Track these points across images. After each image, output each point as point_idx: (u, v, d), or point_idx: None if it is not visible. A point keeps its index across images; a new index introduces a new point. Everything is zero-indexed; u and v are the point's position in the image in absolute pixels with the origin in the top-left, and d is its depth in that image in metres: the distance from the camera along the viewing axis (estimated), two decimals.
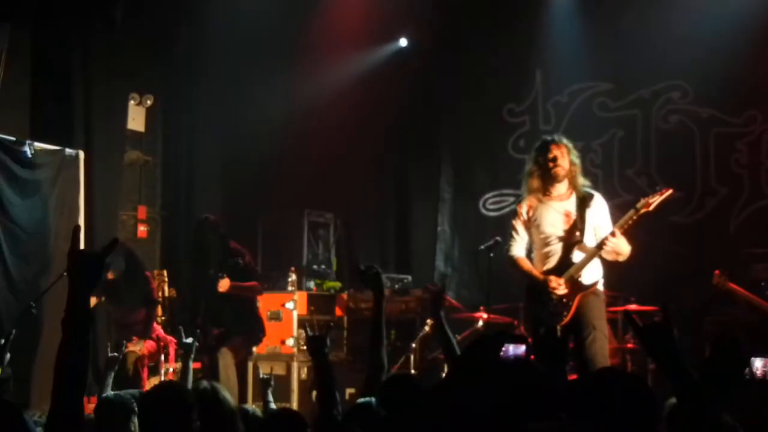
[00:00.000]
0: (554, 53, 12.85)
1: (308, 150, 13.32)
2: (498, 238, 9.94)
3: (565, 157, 8.88)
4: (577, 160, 8.99)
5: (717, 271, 10.52)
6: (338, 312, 12.38)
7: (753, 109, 12.00)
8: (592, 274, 8.69)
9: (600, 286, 8.84)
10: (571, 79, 13.00)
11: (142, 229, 13.01)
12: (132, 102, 12.69)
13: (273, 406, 7.54)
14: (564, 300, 8.63)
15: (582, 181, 8.95)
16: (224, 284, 10.12)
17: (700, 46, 11.95)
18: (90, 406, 9.97)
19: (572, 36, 12.54)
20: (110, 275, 10.17)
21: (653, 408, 3.76)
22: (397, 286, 12.33)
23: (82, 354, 3.56)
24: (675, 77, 12.40)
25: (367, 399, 5.77)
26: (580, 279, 8.63)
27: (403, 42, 13.82)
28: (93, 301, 9.71)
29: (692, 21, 11.98)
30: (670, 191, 8.75)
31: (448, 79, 13.41)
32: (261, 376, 8.04)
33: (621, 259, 8.75)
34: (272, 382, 7.85)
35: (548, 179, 8.89)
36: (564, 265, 8.70)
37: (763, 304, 10.36)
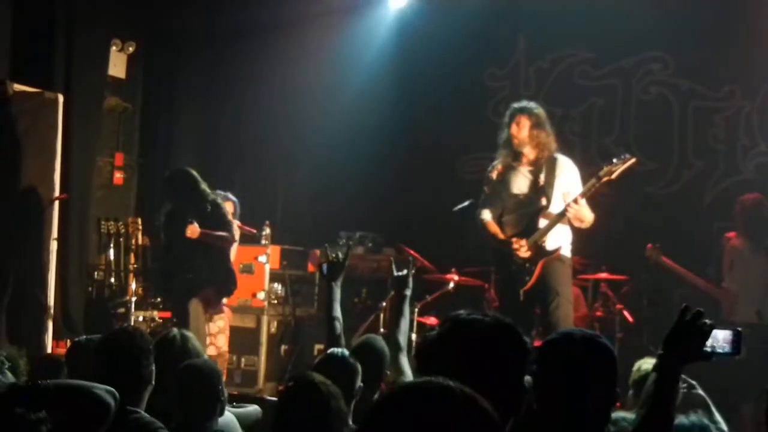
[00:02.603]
0: (537, 19, 12.82)
1: (287, 103, 13.28)
2: (471, 201, 9.96)
3: (523, 127, 8.96)
4: (546, 125, 9.06)
5: (650, 245, 10.61)
6: (310, 268, 12.38)
7: (732, 84, 12.03)
8: (557, 240, 8.77)
9: (567, 253, 8.91)
10: (553, 46, 12.98)
11: (118, 176, 12.99)
12: (114, 48, 12.64)
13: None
14: (527, 265, 8.70)
15: (552, 146, 9.02)
16: (192, 230, 10.06)
17: (682, 19, 11.97)
18: (59, 350, 10.09)
19: (556, 2, 12.51)
20: None
21: (614, 367, 3.80)
22: (370, 244, 12.34)
23: None
24: (657, 49, 12.41)
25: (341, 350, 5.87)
26: (543, 244, 8.71)
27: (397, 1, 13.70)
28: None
29: None
30: (633, 160, 8.82)
31: (431, 40, 13.35)
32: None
33: (584, 226, 8.83)
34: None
35: (516, 150, 9.00)
36: (529, 230, 8.78)
37: (694, 277, 10.46)
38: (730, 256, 10.39)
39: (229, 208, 10.65)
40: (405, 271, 6.54)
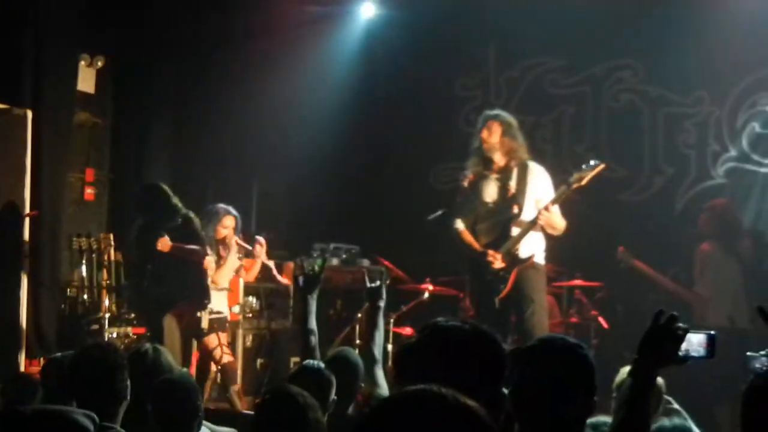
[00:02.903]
0: (508, 28, 12.83)
1: (261, 114, 13.24)
2: (445, 210, 9.97)
3: (494, 133, 9.00)
4: (517, 135, 9.11)
5: (621, 248, 10.67)
6: (286, 280, 12.35)
7: (701, 90, 12.10)
8: (530, 248, 8.80)
9: (541, 260, 8.94)
10: (524, 55, 13.03)
11: (89, 192, 12.93)
12: (83, 63, 12.58)
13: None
14: (501, 273, 8.72)
15: (523, 154, 9.06)
16: (163, 243, 10.03)
17: (651, 26, 12.04)
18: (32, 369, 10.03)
19: (527, 11, 12.53)
20: None
21: (592, 375, 3.80)
22: (344, 256, 12.32)
23: None
24: (626, 56, 12.47)
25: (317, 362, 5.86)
26: (517, 252, 8.74)
27: (368, 11, 13.70)
28: None
29: (643, 1, 12.06)
30: (602, 166, 8.87)
31: (402, 50, 13.35)
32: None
33: (556, 233, 8.89)
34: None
35: (485, 154, 9.03)
36: (502, 239, 8.82)
37: (665, 281, 10.53)
38: (701, 260, 10.45)
39: (230, 222, 10.62)
40: (378, 283, 6.55)
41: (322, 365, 5.86)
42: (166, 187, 10.40)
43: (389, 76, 13.45)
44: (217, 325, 10.33)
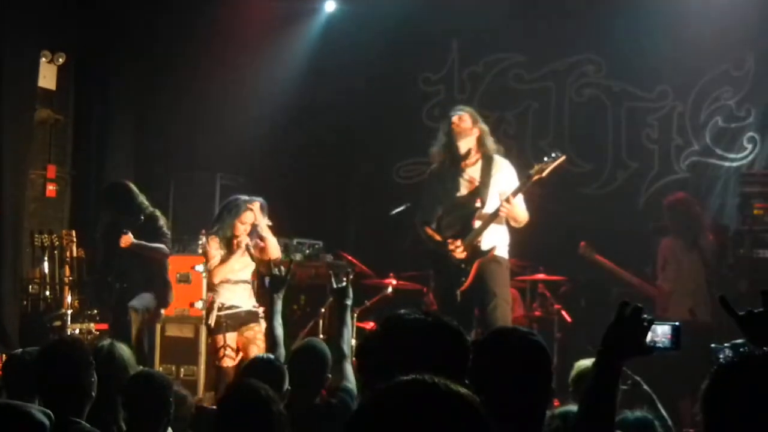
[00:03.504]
0: (471, 23, 12.85)
1: (223, 114, 13.20)
2: (408, 205, 9.97)
3: (466, 120, 9.03)
4: (484, 126, 9.13)
5: (583, 243, 10.71)
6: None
7: (664, 85, 12.16)
8: (492, 240, 8.80)
9: (503, 254, 8.95)
10: (487, 50, 13.04)
11: (51, 189, 12.84)
12: (43, 59, 12.49)
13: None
14: (463, 265, 8.74)
15: (490, 145, 9.07)
16: (125, 240, 10.00)
17: (614, 21, 12.07)
18: None
19: (489, 6, 12.54)
20: None
21: (548, 363, 3.84)
22: (308, 251, 12.30)
23: None
24: (589, 51, 12.51)
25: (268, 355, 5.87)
26: (479, 244, 8.75)
27: (330, 6, 13.69)
28: None
29: None
30: (563, 158, 8.92)
31: (365, 45, 13.34)
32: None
33: (519, 225, 8.91)
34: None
35: (455, 147, 9.02)
36: (466, 231, 8.82)
37: (627, 275, 10.58)
38: (663, 254, 10.48)
39: (248, 218, 10.26)
40: (344, 283, 6.59)
41: (273, 357, 5.89)
42: (132, 186, 10.42)
43: (351, 72, 13.42)
44: (230, 322, 9.81)
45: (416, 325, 3.45)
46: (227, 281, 9.94)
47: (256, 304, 9.97)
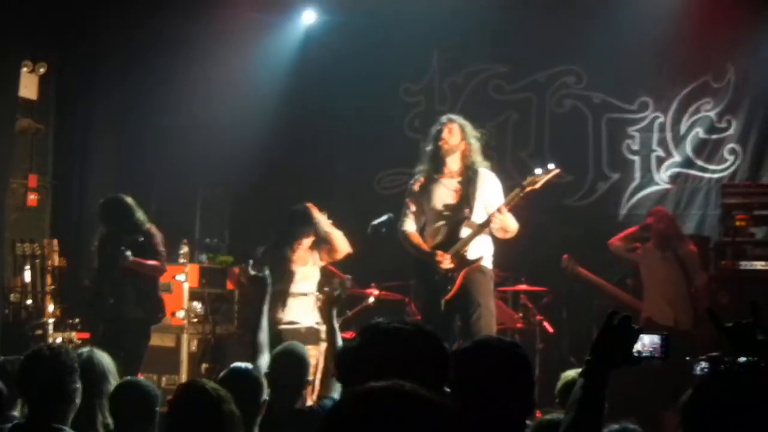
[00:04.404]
0: (452, 34, 12.88)
1: (205, 123, 13.19)
2: (390, 215, 9.96)
3: (455, 134, 9.03)
4: (473, 140, 9.12)
5: (565, 256, 10.73)
6: (229, 286, 12.33)
7: (645, 96, 12.21)
8: (478, 250, 8.81)
9: (488, 264, 8.95)
10: (467, 61, 13.06)
11: (32, 198, 12.81)
12: (24, 69, 12.47)
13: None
14: (449, 274, 8.74)
15: (477, 159, 9.08)
16: (125, 261, 10.03)
17: (594, 33, 12.12)
18: None
19: (470, 17, 12.57)
20: None
21: (529, 374, 3.85)
22: None
23: None
24: (569, 62, 12.54)
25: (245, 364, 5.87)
26: (465, 254, 8.75)
27: (309, 17, 13.70)
28: None
29: (588, 7, 12.12)
30: (556, 171, 8.92)
31: (345, 56, 13.36)
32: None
33: (509, 236, 8.89)
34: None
35: (440, 157, 9.03)
36: (452, 241, 8.82)
37: (608, 287, 10.62)
38: (643, 265, 10.52)
39: (308, 241, 9.94)
40: (338, 292, 6.66)
41: (251, 366, 5.88)
42: (129, 201, 10.36)
43: (332, 83, 13.45)
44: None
45: (395, 333, 3.47)
46: (287, 294, 9.55)
47: (319, 320, 9.51)
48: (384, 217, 9.96)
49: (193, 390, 4.73)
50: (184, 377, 11.19)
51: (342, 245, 9.75)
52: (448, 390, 3.54)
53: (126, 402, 5.38)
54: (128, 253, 9.98)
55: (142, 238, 10.20)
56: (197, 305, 11.79)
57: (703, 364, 4.28)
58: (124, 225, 10.26)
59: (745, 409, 3.03)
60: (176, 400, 4.75)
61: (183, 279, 11.59)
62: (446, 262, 8.75)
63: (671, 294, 10.24)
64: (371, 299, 11.21)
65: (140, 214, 10.32)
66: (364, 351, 3.45)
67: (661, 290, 10.30)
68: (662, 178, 12.13)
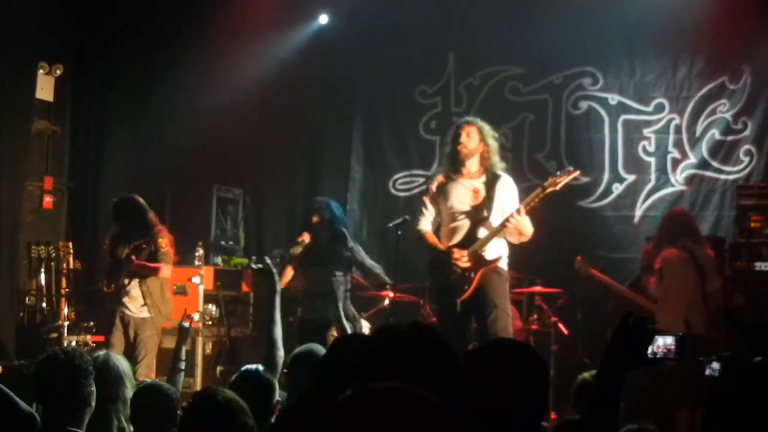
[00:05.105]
0: (468, 36, 12.87)
1: (219, 125, 13.18)
2: (407, 217, 9.95)
3: (473, 137, 9.02)
4: (491, 141, 9.12)
5: (579, 258, 10.69)
6: (245, 288, 12.34)
7: (661, 98, 12.17)
8: (496, 250, 8.79)
9: (504, 266, 8.93)
10: (483, 62, 13.02)
11: (48, 200, 12.86)
12: (41, 71, 12.51)
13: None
14: (466, 274, 8.72)
15: (496, 161, 9.07)
16: (129, 259, 10.10)
17: (610, 34, 12.11)
18: None
19: (486, 19, 12.57)
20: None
21: (544, 376, 3.83)
22: None
23: None
24: (585, 64, 12.51)
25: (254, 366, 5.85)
26: (483, 254, 8.74)
27: (323, 19, 13.71)
28: None
29: (604, 8, 12.09)
30: (576, 172, 8.94)
31: (361, 59, 13.36)
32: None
33: (523, 239, 8.88)
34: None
35: (459, 160, 9.03)
36: (469, 240, 8.81)
37: (622, 289, 10.58)
38: (659, 267, 10.46)
39: (306, 237, 10.28)
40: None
41: (262, 368, 5.86)
42: (140, 201, 10.42)
43: (348, 84, 13.47)
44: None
45: (405, 335, 3.46)
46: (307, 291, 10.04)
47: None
48: (399, 219, 9.96)
49: (206, 401, 4.73)
50: (198, 380, 11.20)
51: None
52: (459, 392, 3.53)
53: (147, 405, 5.37)
54: (132, 257, 10.06)
55: (149, 240, 10.26)
56: (212, 308, 11.79)
57: (715, 365, 4.26)
58: (134, 225, 10.31)
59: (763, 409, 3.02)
60: (189, 410, 4.76)
61: (198, 281, 11.59)
62: (463, 260, 8.73)
63: (688, 297, 10.18)
64: (386, 301, 11.20)
65: (152, 215, 10.38)
66: (375, 352, 3.44)
67: (679, 293, 10.24)
68: (678, 179, 12.08)
